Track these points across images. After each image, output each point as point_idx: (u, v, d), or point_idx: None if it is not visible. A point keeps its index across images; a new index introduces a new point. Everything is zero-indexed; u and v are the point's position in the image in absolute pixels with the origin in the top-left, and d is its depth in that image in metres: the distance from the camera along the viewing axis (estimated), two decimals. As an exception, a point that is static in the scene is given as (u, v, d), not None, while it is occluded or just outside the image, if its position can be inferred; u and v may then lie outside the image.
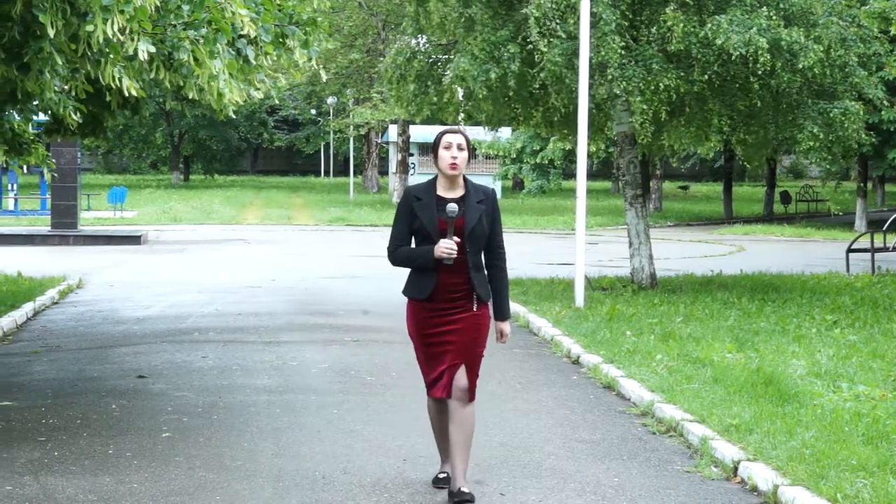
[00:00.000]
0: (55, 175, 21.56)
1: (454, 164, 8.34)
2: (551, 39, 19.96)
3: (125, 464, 9.49)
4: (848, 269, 26.31)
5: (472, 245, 8.42)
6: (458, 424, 8.38)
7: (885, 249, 27.59)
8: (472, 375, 8.51)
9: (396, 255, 8.61)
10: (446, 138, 8.39)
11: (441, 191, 8.47)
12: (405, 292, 8.61)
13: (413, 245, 8.57)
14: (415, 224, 8.45)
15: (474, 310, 8.48)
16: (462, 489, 8.29)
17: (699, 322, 17.10)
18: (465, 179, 8.51)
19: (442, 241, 8.25)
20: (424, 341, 8.53)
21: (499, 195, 9.07)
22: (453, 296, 8.42)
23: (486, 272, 8.62)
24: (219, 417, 11.28)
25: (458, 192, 8.47)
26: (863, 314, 18.21)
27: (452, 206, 8.27)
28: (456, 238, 8.27)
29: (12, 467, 9.34)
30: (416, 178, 65.40)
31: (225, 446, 10.11)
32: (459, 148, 8.35)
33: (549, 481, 9.11)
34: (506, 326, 8.75)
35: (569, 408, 11.98)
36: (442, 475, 8.78)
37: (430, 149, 8.55)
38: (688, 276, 24.59)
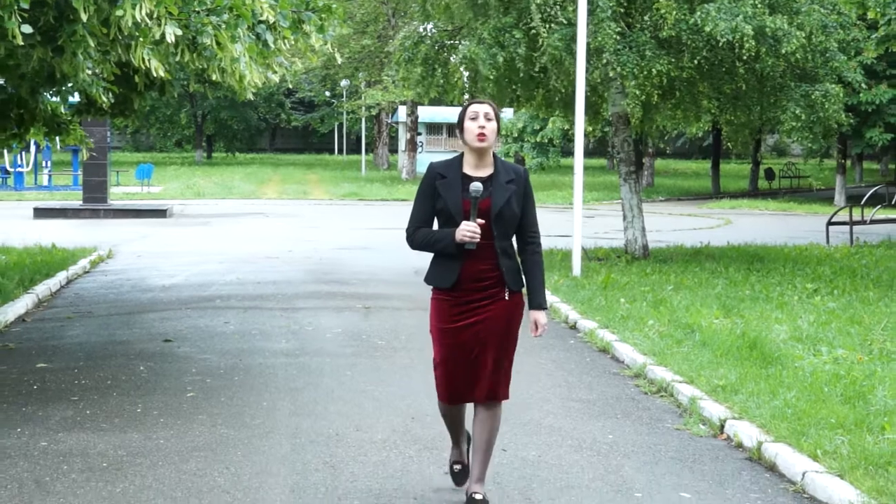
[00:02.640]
0: (94, 154, 21.57)
1: (482, 134, 7.03)
2: (552, 25, 20.02)
3: (152, 421, 9.52)
4: (828, 241, 26.32)
5: (500, 228, 7.08)
6: (483, 424, 7.24)
7: (862, 222, 27.64)
8: (504, 372, 7.29)
9: (415, 238, 7.23)
10: (472, 108, 7.11)
11: (468, 168, 7.16)
12: (428, 280, 7.26)
13: (436, 227, 7.25)
14: (438, 204, 7.12)
15: (506, 298, 7.13)
16: (476, 494, 7.17)
17: (688, 290, 17.11)
18: (494, 157, 7.20)
19: (464, 223, 6.95)
20: (450, 334, 7.14)
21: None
22: (482, 284, 7.09)
23: (517, 258, 7.28)
24: (239, 378, 11.30)
25: (487, 171, 7.14)
26: (841, 283, 18.21)
27: (476, 185, 6.95)
28: (480, 220, 6.97)
29: (47, 424, 9.37)
30: (424, 156, 65.47)
31: (245, 405, 10.13)
32: (487, 118, 7.07)
33: (548, 438, 9.12)
34: (541, 316, 7.26)
35: (566, 370, 11.99)
36: (457, 467, 7.61)
37: (456, 125, 7.26)
38: (678, 247, 24.57)
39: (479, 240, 6.96)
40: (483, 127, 7.05)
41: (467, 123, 7.10)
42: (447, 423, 7.55)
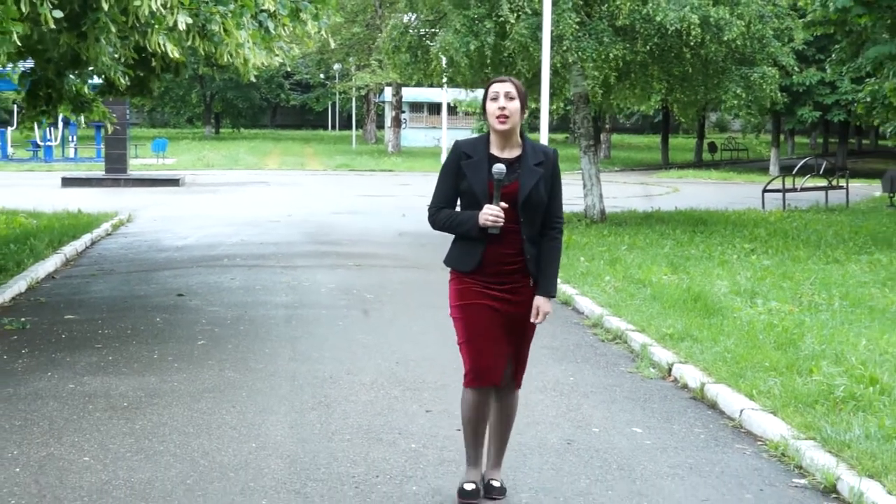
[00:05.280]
0: (118, 128, 21.56)
1: (503, 115, 5.88)
2: (519, 15, 20.06)
3: (167, 366, 9.50)
4: (763, 206, 26.39)
5: (527, 215, 5.95)
6: (500, 411, 6.26)
7: (794, 190, 27.77)
8: (522, 360, 6.24)
9: (437, 219, 6.05)
10: (493, 88, 5.96)
11: (494, 149, 5.99)
12: (448, 262, 6.13)
13: (458, 208, 6.10)
14: (462, 185, 5.97)
15: (529, 286, 6.03)
16: (493, 481, 6.24)
17: (641, 250, 17.14)
18: (522, 137, 6.06)
19: (486, 207, 5.83)
20: (470, 317, 6.02)
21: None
22: (505, 269, 5.97)
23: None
24: (244, 328, 11.28)
25: (515, 152, 5.99)
26: (775, 243, 18.27)
27: (500, 167, 5.81)
28: (503, 204, 5.85)
29: (75, 369, 9.35)
30: (408, 132, 65.46)
31: (249, 352, 10.11)
32: (508, 97, 5.90)
33: (516, 380, 9.12)
34: (545, 304, 6.06)
35: (533, 320, 11.98)
36: (469, 486, 6.16)
37: (480, 105, 5.90)
38: (631, 212, 24.60)
39: (502, 224, 5.85)
40: (504, 108, 5.89)
41: (488, 104, 5.96)
42: (466, 421, 6.19)
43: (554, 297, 6.13)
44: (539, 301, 6.06)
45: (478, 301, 5.99)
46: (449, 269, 6.15)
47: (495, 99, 5.92)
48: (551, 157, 6.09)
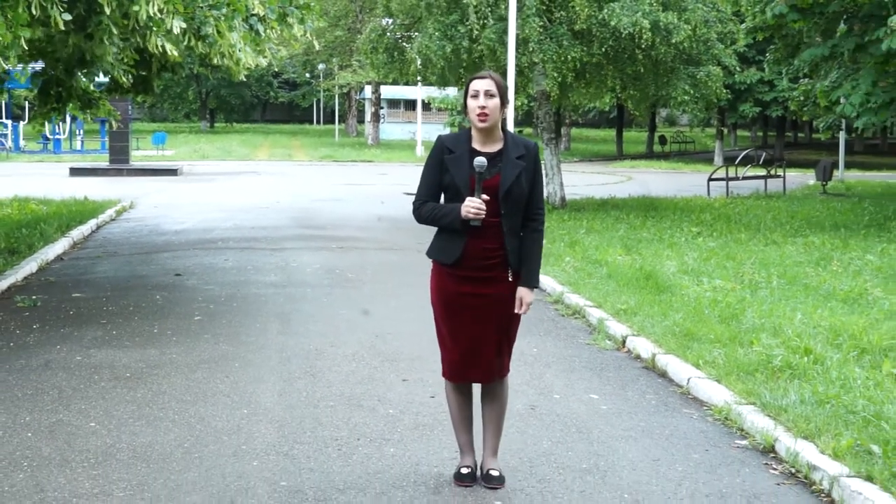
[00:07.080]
0: (121, 124, 21.50)
1: (483, 113, 5.48)
2: (486, 21, 20.07)
3: (166, 340, 9.47)
4: (709, 194, 26.45)
5: (509, 207, 5.54)
6: (492, 401, 5.85)
7: (736, 178, 27.86)
8: (505, 351, 5.80)
9: (421, 212, 5.63)
10: (473, 86, 5.55)
11: (476, 144, 5.59)
12: (430, 254, 5.74)
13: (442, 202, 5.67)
14: (445, 179, 5.57)
15: (509, 279, 5.63)
16: (492, 471, 5.80)
17: (597, 233, 17.16)
18: (504, 131, 5.65)
19: (468, 199, 5.44)
20: (450, 310, 5.68)
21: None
22: (486, 262, 5.57)
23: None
24: (237, 305, 11.25)
25: (496, 146, 5.59)
26: (719, 227, 18.33)
27: (481, 160, 5.43)
28: (485, 196, 5.46)
29: (82, 342, 9.31)
30: (386, 126, 65.38)
31: (241, 326, 10.09)
32: (488, 95, 5.49)
33: (485, 351, 9.12)
34: (527, 294, 5.66)
35: (500, 297, 11.97)
36: (465, 470, 5.82)
37: (461, 102, 5.78)
38: (589, 199, 24.63)
39: (484, 216, 5.46)
40: (484, 107, 5.49)
41: (469, 101, 5.56)
42: (453, 411, 5.89)
43: (537, 287, 5.77)
44: (522, 292, 5.65)
45: (457, 299, 5.64)
46: (431, 261, 5.79)
47: (475, 97, 5.52)
48: (532, 150, 5.65)
